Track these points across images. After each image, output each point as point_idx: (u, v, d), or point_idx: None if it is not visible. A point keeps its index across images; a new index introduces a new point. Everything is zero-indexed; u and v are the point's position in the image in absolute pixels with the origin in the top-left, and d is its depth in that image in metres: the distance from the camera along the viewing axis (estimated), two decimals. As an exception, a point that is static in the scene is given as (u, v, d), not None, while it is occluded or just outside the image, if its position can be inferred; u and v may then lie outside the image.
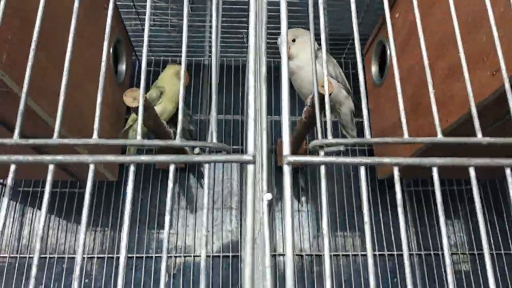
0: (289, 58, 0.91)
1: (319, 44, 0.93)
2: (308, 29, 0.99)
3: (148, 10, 0.30)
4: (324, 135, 0.25)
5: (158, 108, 0.95)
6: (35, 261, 0.21)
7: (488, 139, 0.25)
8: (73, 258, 1.05)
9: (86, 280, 1.03)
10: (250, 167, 0.23)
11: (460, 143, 0.25)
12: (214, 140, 0.25)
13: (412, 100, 0.82)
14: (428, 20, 0.75)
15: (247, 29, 1.12)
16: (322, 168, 0.24)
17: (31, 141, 0.23)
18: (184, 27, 0.29)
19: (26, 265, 1.03)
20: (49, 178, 0.22)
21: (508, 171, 0.24)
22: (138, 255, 1.05)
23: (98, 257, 1.05)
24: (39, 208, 1.10)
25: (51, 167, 0.23)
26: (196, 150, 0.96)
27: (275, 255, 1.07)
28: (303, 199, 1.14)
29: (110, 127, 0.98)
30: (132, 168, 0.23)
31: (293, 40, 0.95)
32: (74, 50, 0.28)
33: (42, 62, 0.62)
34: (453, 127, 0.68)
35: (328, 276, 0.22)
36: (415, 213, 1.13)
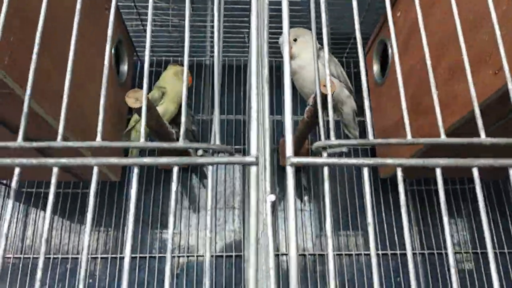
0: (291, 57, 0.90)
1: (321, 44, 0.93)
2: (309, 29, 0.99)
3: (150, 11, 0.30)
4: (327, 136, 0.25)
5: (160, 109, 0.95)
6: (40, 264, 0.22)
7: (491, 140, 0.25)
8: (77, 258, 1.05)
9: (90, 280, 1.03)
10: (253, 169, 0.23)
11: (463, 143, 0.25)
12: (217, 142, 0.25)
13: (413, 100, 0.82)
14: (429, 20, 0.75)
15: (249, 28, 1.12)
16: (325, 170, 0.24)
17: (35, 144, 0.23)
18: (186, 27, 0.29)
19: (30, 266, 1.03)
20: (53, 180, 0.22)
21: (511, 171, 0.24)
22: (141, 255, 1.05)
23: (101, 257, 1.05)
24: (43, 208, 1.10)
25: (55, 170, 0.23)
26: (199, 152, 0.96)
27: (278, 255, 1.07)
28: (305, 198, 1.14)
29: (112, 128, 0.98)
30: (135, 170, 0.23)
31: (295, 40, 0.95)
32: (76, 51, 0.28)
33: (44, 63, 0.62)
34: (455, 126, 0.67)
35: (332, 277, 0.22)
36: (418, 212, 1.12)
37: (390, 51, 1.00)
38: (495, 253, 1.10)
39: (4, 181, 1.05)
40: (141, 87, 0.95)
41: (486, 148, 0.26)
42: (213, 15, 1.10)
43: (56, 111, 0.64)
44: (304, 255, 1.07)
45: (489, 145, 0.25)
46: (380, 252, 1.08)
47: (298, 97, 1.09)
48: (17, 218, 1.08)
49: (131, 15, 1.08)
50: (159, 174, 1.13)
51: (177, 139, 0.25)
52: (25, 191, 1.10)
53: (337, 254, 1.07)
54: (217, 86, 0.28)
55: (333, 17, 1.09)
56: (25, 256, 1.04)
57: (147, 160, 0.23)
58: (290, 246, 0.22)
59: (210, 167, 0.24)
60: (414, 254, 1.08)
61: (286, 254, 1.07)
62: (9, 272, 1.02)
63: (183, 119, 0.26)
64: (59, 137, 0.24)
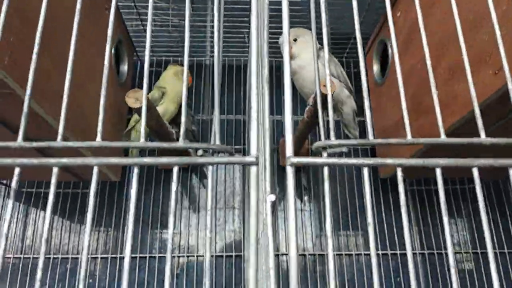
0: (291, 57, 0.91)
1: (321, 44, 0.93)
2: (309, 29, 0.99)
3: (150, 11, 0.30)
4: (327, 136, 0.25)
5: (160, 109, 0.95)
6: (40, 264, 0.22)
7: (491, 140, 0.25)
8: (77, 258, 1.05)
9: (90, 280, 1.03)
10: (253, 169, 0.23)
11: (463, 143, 0.25)
12: (217, 142, 0.25)
13: (413, 100, 0.82)
14: (429, 20, 0.75)
15: (249, 28, 1.12)
16: (325, 170, 0.24)
17: (35, 144, 0.23)
18: (186, 27, 0.29)
19: (30, 266, 1.03)
20: (53, 180, 0.22)
21: (511, 171, 0.24)
22: (141, 255, 1.05)
23: (101, 257, 1.05)
24: (43, 208, 1.10)
25: (55, 170, 0.23)
26: (199, 152, 0.96)
27: (278, 255, 1.07)
28: (305, 198, 1.14)
29: (112, 128, 0.98)
30: (135, 170, 0.23)
31: (295, 40, 0.95)
32: (76, 51, 0.28)
33: (44, 63, 0.62)
34: (455, 126, 0.67)
35: (332, 277, 0.22)
36: (418, 212, 1.12)
37: (390, 51, 1.00)
38: (495, 253, 1.10)
39: (4, 181, 1.05)
40: (141, 87, 0.95)
41: (486, 148, 0.26)
42: (213, 15, 1.10)
43: (56, 111, 0.64)
44: (304, 255, 1.07)
45: (489, 145, 0.25)
46: (380, 252, 1.08)
47: (298, 97, 1.09)
48: (17, 218, 1.09)
49: (131, 15, 1.08)
50: (159, 174, 1.13)
51: (177, 139, 0.25)
52: (25, 191, 1.10)
53: (337, 254, 1.07)
54: (217, 86, 0.28)
55: (333, 17, 1.09)
56: (25, 256, 1.04)
57: (147, 160, 0.23)
58: (290, 246, 0.22)
59: (210, 167, 0.24)
60: (414, 254, 1.08)
61: (286, 254, 1.07)
62: (9, 272, 1.02)
63: (183, 119, 0.26)
64: (59, 137, 0.24)
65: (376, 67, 1.09)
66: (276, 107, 1.20)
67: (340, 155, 1.07)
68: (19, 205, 1.10)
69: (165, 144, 0.24)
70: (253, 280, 0.22)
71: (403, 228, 0.24)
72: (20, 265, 1.03)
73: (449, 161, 0.23)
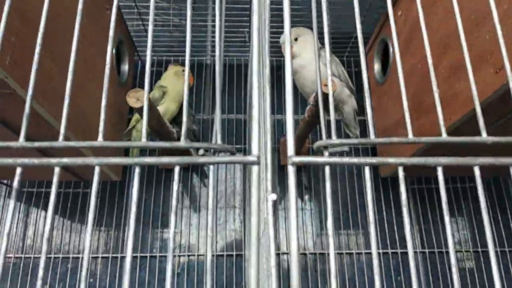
0: (292, 57, 0.90)
1: (322, 43, 0.93)
2: (310, 28, 0.99)
3: (151, 11, 0.30)
4: (328, 135, 0.25)
5: (160, 108, 0.95)
6: (42, 263, 0.22)
7: (492, 138, 0.25)
8: (78, 258, 1.05)
9: (91, 280, 1.03)
10: (254, 168, 0.23)
11: (464, 142, 0.25)
12: (219, 141, 0.25)
13: (414, 99, 0.82)
14: (430, 18, 0.75)
15: (249, 27, 1.12)
16: (327, 169, 0.24)
17: (37, 144, 0.23)
18: (187, 27, 0.29)
19: (31, 265, 1.03)
20: (55, 180, 0.22)
21: (512, 170, 0.24)
22: (142, 254, 1.05)
23: (102, 257, 1.05)
24: (44, 208, 1.10)
25: (57, 170, 0.23)
26: (201, 151, 0.96)
27: (278, 254, 1.08)
28: (306, 197, 1.14)
29: (113, 128, 0.98)
30: (137, 170, 0.23)
31: (296, 39, 0.95)
32: (77, 51, 0.28)
33: (45, 63, 0.62)
34: (456, 125, 0.67)
35: (333, 276, 0.22)
36: (418, 211, 1.12)
37: (391, 50, 0.99)
38: (496, 252, 1.10)
39: (5, 181, 1.06)
40: (141, 86, 0.96)
41: (487, 147, 0.26)
42: (213, 15, 1.10)
43: (57, 110, 0.64)
44: (305, 254, 1.07)
45: (490, 144, 0.25)
46: (380, 251, 1.08)
47: (299, 97, 1.09)
48: (18, 218, 1.09)
49: (131, 15, 1.08)
50: (160, 173, 1.14)
51: (178, 139, 0.25)
52: (26, 191, 1.10)
53: (338, 253, 1.07)
54: (219, 85, 0.28)
55: (334, 16, 1.09)
56: (26, 256, 1.05)
57: (148, 159, 0.23)
58: (291, 245, 0.22)
59: (211, 167, 0.24)
60: (414, 252, 1.08)
61: (287, 253, 1.07)
62: (10, 271, 1.03)
63: (184, 118, 0.26)
64: (61, 137, 0.24)
65: (377, 66, 1.09)
66: (277, 106, 1.20)
67: (341, 154, 1.07)
68: (20, 205, 1.10)
69: (166, 144, 0.24)
70: (254, 279, 0.22)
71: (404, 227, 0.24)
72: (21, 265, 1.03)
73: (450, 159, 0.23)
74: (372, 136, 0.26)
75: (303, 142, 0.97)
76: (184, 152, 0.91)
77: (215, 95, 0.28)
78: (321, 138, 0.26)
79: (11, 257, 1.04)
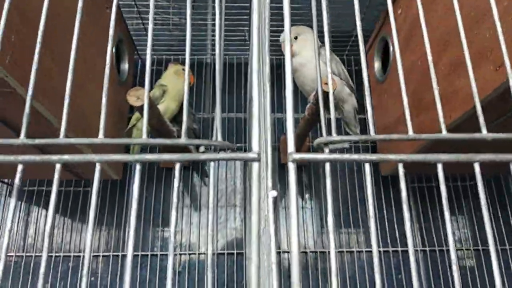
0: (292, 55, 0.90)
1: (322, 41, 0.93)
2: (310, 26, 0.99)
3: (151, 10, 0.30)
4: (328, 132, 0.25)
5: (161, 107, 0.95)
6: (44, 257, 0.22)
7: (492, 135, 0.25)
8: (79, 256, 1.05)
9: (92, 278, 1.03)
10: (255, 165, 0.23)
11: (464, 139, 0.25)
12: (219, 139, 0.25)
13: (414, 96, 0.82)
14: (430, 16, 0.75)
15: (248, 26, 1.12)
16: (327, 166, 0.24)
17: (37, 141, 0.23)
18: (187, 25, 0.29)
19: (32, 264, 1.04)
20: (56, 177, 0.23)
21: (512, 166, 0.24)
22: (143, 253, 1.06)
23: (103, 256, 1.05)
24: (45, 207, 1.10)
25: (58, 167, 0.23)
26: (201, 149, 0.97)
27: (279, 252, 1.08)
28: (306, 196, 1.14)
29: (113, 127, 0.98)
30: (138, 167, 0.24)
31: (295, 38, 0.95)
32: (77, 50, 0.28)
33: (45, 62, 0.62)
34: (457, 123, 0.67)
35: (333, 274, 0.22)
36: (419, 209, 1.12)
37: (391, 48, 0.99)
38: (496, 250, 1.10)
39: (6, 180, 1.06)
40: (141, 85, 0.95)
41: (487, 143, 0.26)
42: (213, 13, 1.10)
43: (57, 109, 0.64)
44: (306, 252, 1.08)
45: (491, 140, 0.25)
46: (381, 249, 1.08)
47: (299, 95, 1.09)
48: (19, 216, 1.09)
49: (131, 14, 1.08)
50: (160, 172, 1.14)
51: (179, 137, 0.25)
52: (26, 190, 1.10)
53: (338, 252, 1.08)
54: (219, 83, 0.28)
55: (334, 14, 1.09)
56: (27, 254, 1.05)
57: (149, 156, 0.23)
58: (292, 242, 0.22)
59: (212, 164, 0.24)
60: (415, 251, 1.08)
61: (287, 252, 1.08)
62: (11, 270, 1.03)
63: (184, 117, 0.26)
64: (62, 134, 0.24)
65: (377, 65, 1.09)
66: (277, 105, 1.20)
67: (341, 151, 1.07)
68: (21, 204, 1.10)
69: (167, 141, 0.24)
70: (255, 277, 0.22)
71: (404, 225, 0.24)
72: (22, 264, 1.04)
73: (450, 156, 0.23)
74: (372, 133, 0.26)
75: (303, 140, 0.97)
76: (185, 149, 0.91)
77: (215, 94, 0.28)
78: (321, 136, 0.26)
79: (12, 256, 1.04)
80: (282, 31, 1.00)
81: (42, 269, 0.22)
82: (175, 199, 0.23)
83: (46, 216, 1.09)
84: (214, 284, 1.03)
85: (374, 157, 0.23)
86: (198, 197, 1.13)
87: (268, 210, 0.24)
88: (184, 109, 0.26)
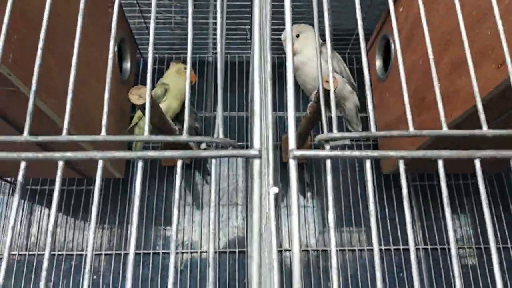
0: (293, 54, 0.90)
1: (323, 40, 0.93)
2: (311, 25, 0.99)
3: (153, 9, 0.30)
4: (330, 129, 0.26)
5: (163, 106, 0.95)
6: (46, 256, 0.22)
7: (493, 132, 0.25)
8: (81, 255, 1.06)
9: (95, 277, 1.04)
10: (256, 162, 0.23)
11: (465, 135, 0.25)
12: (221, 136, 0.25)
13: (415, 95, 0.82)
14: (431, 15, 0.75)
15: (249, 24, 1.12)
16: (328, 162, 0.24)
17: (40, 138, 0.23)
18: (189, 24, 0.29)
19: (35, 263, 1.04)
20: (58, 174, 0.23)
21: (513, 163, 0.24)
22: (145, 251, 1.06)
23: (105, 254, 1.06)
24: (47, 206, 1.11)
25: (60, 164, 0.23)
26: (203, 146, 0.97)
27: (281, 251, 1.08)
28: (308, 194, 1.14)
29: (115, 125, 0.98)
30: (140, 164, 0.24)
31: (297, 36, 0.95)
32: (79, 49, 0.28)
33: (47, 60, 0.63)
34: (458, 121, 0.67)
35: (335, 272, 0.22)
36: (420, 207, 1.12)
37: (392, 46, 0.99)
38: (498, 248, 1.10)
39: (9, 179, 1.06)
40: (143, 84, 0.96)
41: (488, 141, 0.26)
42: (214, 12, 1.10)
43: (59, 107, 0.65)
44: (307, 250, 1.08)
45: (491, 137, 0.25)
46: (383, 247, 1.08)
47: (301, 94, 1.09)
48: (22, 215, 1.09)
49: (133, 13, 1.08)
50: (162, 170, 1.14)
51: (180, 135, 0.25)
52: (29, 189, 1.10)
53: (340, 250, 1.08)
54: (220, 82, 0.28)
55: (336, 13, 1.09)
56: (30, 253, 1.05)
57: (151, 153, 0.23)
58: (293, 240, 0.22)
59: (213, 161, 0.24)
60: (417, 249, 1.08)
61: (289, 250, 1.08)
62: (14, 269, 1.03)
63: (186, 115, 0.26)
64: (64, 131, 0.24)
65: (378, 63, 1.09)
66: (279, 103, 1.20)
67: (342, 148, 1.07)
68: (24, 203, 1.10)
69: (169, 137, 0.24)
70: (256, 275, 0.22)
71: (406, 223, 0.24)
72: (25, 262, 1.04)
73: (451, 152, 0.23)
74: (373, 129, 0.26)
75: (305, 139, 0.98)
76: (186, 146, 0.92)
77: (217, 92, 0.28)
78: (322, 133, 0.26)
79: (15, 254, 1.05)
80: (283, 29, 1.00)
81: (44, 268, 0.22)
82: (177, 196, 0.23)
83: (48, 215, 1.09)
84: (215, 283, 1.03)
85: (375, 153, 0.24)
86: (200, 196, 1.13)
87: (269, 208, 0.25)
88: (186, 108, 0.26)
